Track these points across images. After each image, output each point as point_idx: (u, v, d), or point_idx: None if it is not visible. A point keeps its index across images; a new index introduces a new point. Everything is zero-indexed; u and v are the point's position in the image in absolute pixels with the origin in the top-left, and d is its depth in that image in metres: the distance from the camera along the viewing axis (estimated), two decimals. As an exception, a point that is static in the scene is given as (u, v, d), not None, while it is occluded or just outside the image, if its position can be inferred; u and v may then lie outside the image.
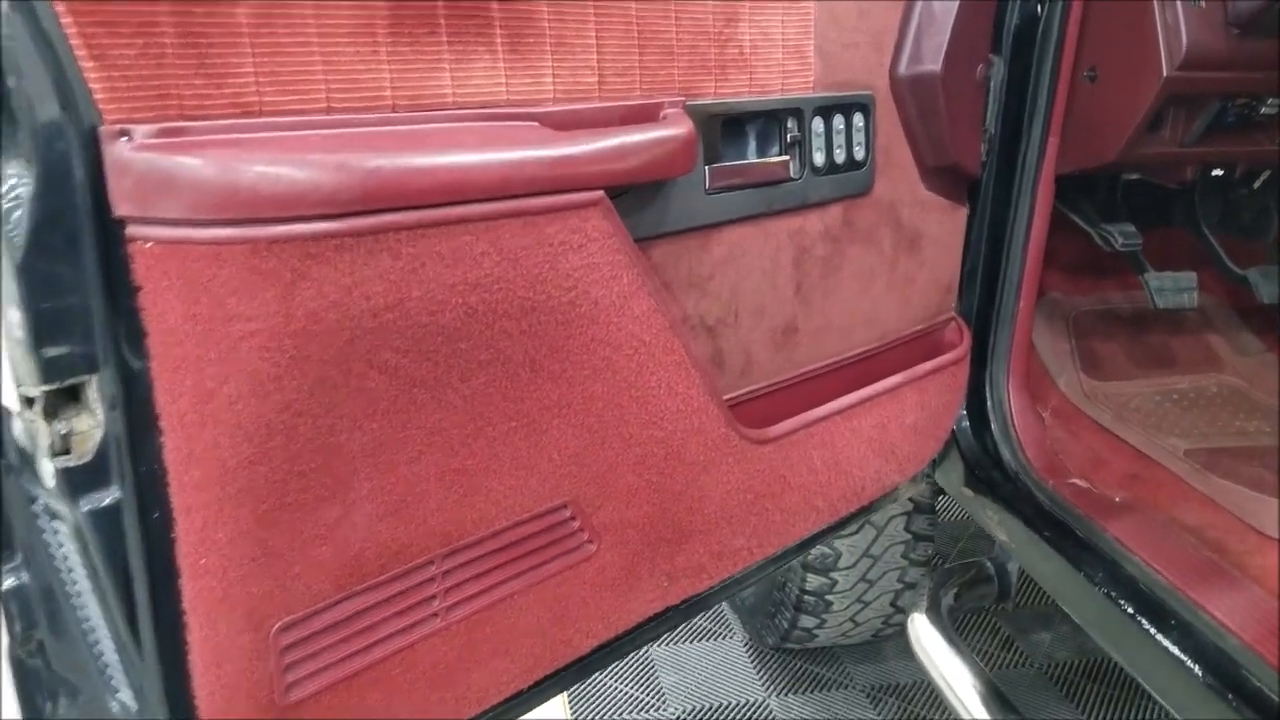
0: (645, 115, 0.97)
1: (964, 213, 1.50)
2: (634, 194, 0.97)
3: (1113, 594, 1.27)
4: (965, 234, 1.57)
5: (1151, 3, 1.39)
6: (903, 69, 1.28)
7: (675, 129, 0.94)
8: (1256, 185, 1.86)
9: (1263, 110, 1.55)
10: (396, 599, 0.85)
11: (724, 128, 1.08)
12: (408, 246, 0.72)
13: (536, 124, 0.87)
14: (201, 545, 0.72)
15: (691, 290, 1.08)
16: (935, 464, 1.75)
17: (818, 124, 1.18)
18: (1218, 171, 1.80)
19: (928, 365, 1.39)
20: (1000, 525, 1.57)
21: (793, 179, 1.16)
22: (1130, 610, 1.23)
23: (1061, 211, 1.86)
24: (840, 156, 1.22)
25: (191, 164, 0.64)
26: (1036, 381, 1.81)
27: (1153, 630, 1.20)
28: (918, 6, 1.29)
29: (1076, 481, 1.53)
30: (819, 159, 1.19)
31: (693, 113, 1.01)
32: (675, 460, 1.02)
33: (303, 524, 0.75)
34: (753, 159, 1.12)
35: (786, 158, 1.15)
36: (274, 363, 0.69)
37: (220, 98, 0.69)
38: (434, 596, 0.87)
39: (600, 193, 0.86)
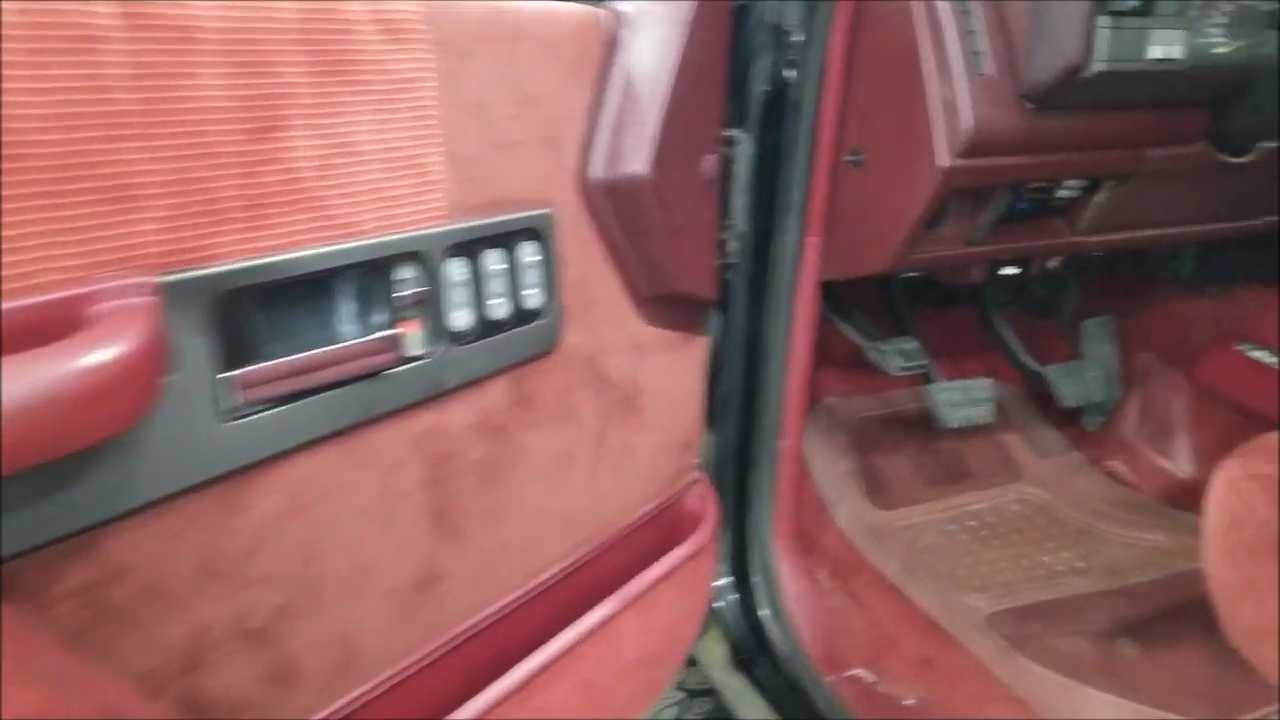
0: (55, 320, 0.52)
1: (702, 345, 1.13)
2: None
3: None
4: (714, 359, 1.22)
5: (921, 74, 1.06)
6: (596, 173, 0.90)
7: (91, 351, 0.49)
8: (1051, 265, 1.61)
9: (1059, 193, 1.26)
10: None
11: (268, 303, 0.65)
12: None
13: None
14: None
15: (212, 585, 0.64)
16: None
17: (457, 268, 0.77)
18: (1010, 269, 1.53)
19: (653, 573, 1.01)
20: (771, 738, 1.23)
21: (414, 359, 0.75)
22: None
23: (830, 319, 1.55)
24: (502, 309, 0.82)
25: None
26: (813, 518, 1.48)
27: None
28: (613, 85, 0.91)
29: (860, 674, 1.21)
30: (461, 320, 0.78)
31: (184, 290, 0.58)
32: None
33: None
34: (349, 340, 0.70)
35: (398, 330, 0.73)
36: None
37: None
38: None
39: None
